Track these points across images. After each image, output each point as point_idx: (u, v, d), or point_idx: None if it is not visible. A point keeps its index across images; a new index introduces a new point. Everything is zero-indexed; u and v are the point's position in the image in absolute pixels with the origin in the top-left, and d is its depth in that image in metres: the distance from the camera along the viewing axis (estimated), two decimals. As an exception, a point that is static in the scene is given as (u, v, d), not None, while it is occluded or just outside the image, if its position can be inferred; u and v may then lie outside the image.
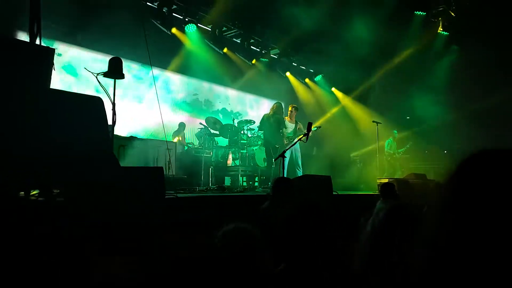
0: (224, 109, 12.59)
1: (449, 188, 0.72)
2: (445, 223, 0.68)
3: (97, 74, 4.50)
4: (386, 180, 7.87)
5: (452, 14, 10.49)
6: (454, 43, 11.47)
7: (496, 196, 0.64)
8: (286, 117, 8.28)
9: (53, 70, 4.38)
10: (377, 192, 7.73)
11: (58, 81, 8.37)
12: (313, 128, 6.66)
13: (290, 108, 8.35)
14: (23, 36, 4.39)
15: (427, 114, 10.88)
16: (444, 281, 0.65)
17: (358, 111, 13.67)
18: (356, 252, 1.92)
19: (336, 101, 14.00)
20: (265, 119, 8.19)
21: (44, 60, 4.06)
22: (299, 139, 7.12)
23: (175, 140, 9.43)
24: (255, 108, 13.59)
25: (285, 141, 7.94)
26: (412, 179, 8.15)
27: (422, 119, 11.13)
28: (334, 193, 6.01)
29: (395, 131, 11.18)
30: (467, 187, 0.68)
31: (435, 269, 0.65)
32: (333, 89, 14.00)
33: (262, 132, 8.58)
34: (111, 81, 4.84)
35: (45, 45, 4.25)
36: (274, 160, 7.39)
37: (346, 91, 13.75)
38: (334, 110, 13.69)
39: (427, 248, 0.70)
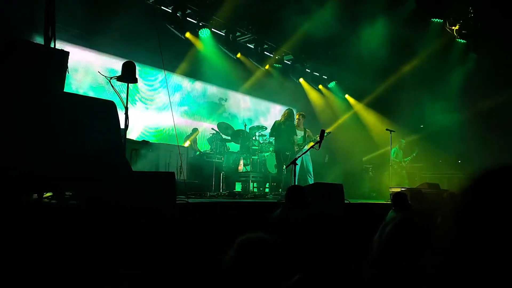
0: (236, 115, 12.58)
1: (464, 202, 0.72)
2: (458, 235, 0.68)
3: (111, 78, 4.51)
4: (399, 189, 7.76)
5: (470, 22, 10.36)
6: (471, 51, 11.30)
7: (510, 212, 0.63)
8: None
9: (67, 73, 4.42)
10: (389, 201, 7.63)
11: (72, 84, 8.47)
12: (325, 134, 6.61)
13: (297, 116, 8.38)
14: (39, 39, 4.42)
15: (440, 122, 10.72)
16: None
17: (371, 118, 13.56)
18: (366, 263, 1.88)
19: (349, 108, 13.91)
20: (276, 126, 8.16)
21: (58, 63, 4.08)
22: (312, 147, 7.07)
23: (186, 144, 9.44)
24: (267, 114, 13.56)
25: (295, 148, 7.90)
26: (425, 188, 8.01)
27: (436, 127, 10.94)
28: (346, 201, 5.93)
29: (403, 140, 11.06)
30: (483, 202, 0.68)
31: (447, 278, 0.66)
32: (347, 96, 13.92)
33: (273, 138, 8.55)
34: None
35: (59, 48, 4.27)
36: (286, 167, 7.33)
37: (359, 98, 13.65)
38: (346, 116, 13.60)
39: (439, 258, 0.70)
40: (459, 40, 11.07)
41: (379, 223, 2.20)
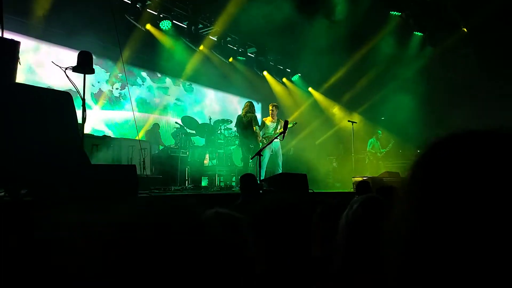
0: (200, 109, 12.47)
1: (411, 179, 0.66)
2: (409, 216, 0.63)
3: (66, 69, 4.33)
4: (361, 179, 7.96)
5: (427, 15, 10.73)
6: (428, 44, 11.69)
7: (462, 185, 0.58)
8: (268, 117, 8.19)
9: (19, 64, 4.21)
10: (352, 190, 7.81)
11: (26, 77, 8.10)
12: (289, 126, 6.63)
13: (270, 107, 8.22)
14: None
15: (400, 112, 10.99)
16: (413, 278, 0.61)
17: (337, 110, 13.84)
18: (332, 250, 1.87)
19: (313, 100, 14.10)
20: (238, 119, 8.12)
21: (8, 53, 3.88)
22: (275, 138, 7.10)
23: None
24: (232, 107, 13.53)
25: (264, 140, 7.85)
26: (386, 177, 8.28)
27: (395, 117, 11.21)
28: (310, 190, 6.01)
29: (379, 131, 11.23)
30: (428, 175, 0.63)
31: (404, 266, 0.62)
32: (310, 88, 14.10)
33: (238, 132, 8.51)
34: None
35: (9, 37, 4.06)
36: (251, 159, 7.32)
37: (321, 89, 13.87)
38: (307, 105, 13.81)
39: (393, 244, 0.65)
40: (417, 33, 11.45)
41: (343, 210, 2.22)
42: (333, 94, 13.66)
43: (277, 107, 8.32)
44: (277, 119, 8.17)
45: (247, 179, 4.12)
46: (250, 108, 8.03)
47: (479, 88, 11.08)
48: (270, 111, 8.18)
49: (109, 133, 9.44)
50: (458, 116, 9.90)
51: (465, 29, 10.98)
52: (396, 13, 10.71)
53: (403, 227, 0.64)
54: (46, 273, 2.72)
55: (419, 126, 10.00)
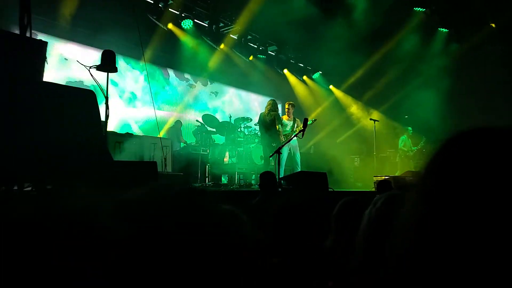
0: (221, 107, 12.56)
1: (425, 172, 0.67)
2: (419, 208, 0.64)
3: (90, 67, 4.45)
4: (383, 178, 7.85)
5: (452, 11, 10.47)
6: (454, 40, 11.42)
7: (476, 181, 0.58)
8: (284, 116, 8.17)
9: (46, 63, 4.34)
10: (373, 189, 7.72)
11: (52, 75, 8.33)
12: (308, 122, 6.60)
13: (287, 106, 8.21)
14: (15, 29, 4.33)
15: (423, 110, 10.72)
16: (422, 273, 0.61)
17: (355, 109, 13.67)
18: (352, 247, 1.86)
19: (334, 99, 13.98)
20: (261, 118, 8.12)
21: (36, 53, 4.01)
22: (295, 135, 7.07)
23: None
24: (252, 105, 13.56)
25: (282, 138, 7.85)
26: (409, 176, 8.11)
27: (419, 115, 10.94)
28: (330, 189, 5.97)
29: (410, 128, 10.80)
30: (442, 169, 0.64)
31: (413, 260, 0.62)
32: (331, 86, 13.98)
33: (260, 130, 8.52)
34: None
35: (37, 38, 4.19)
36: (270, 157, 7.33)
37: (343, 87, 13.73)
38: (328, 103, 13.68)
39: (402, 234, 0.66)
40: (442, 30, 11.20)
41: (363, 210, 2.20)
42: (354, 92, 13.50)
43: (293, 105, 8.29)
44: (293, 117, 8.16)
45: (266, 177, 4.14)
46: (273, 106, 8.02)
47: (508, 87, 10.73)
48: (286, 110, 8.17)
49: (132, 130, 9.61)
50: (487, 116, 9.64)
51: (493, 25, 10.66)
52: (420, 9, 10.50)
53: (413, 218, 0.65)
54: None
55: (444, 125, 9.77)
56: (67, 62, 8.72)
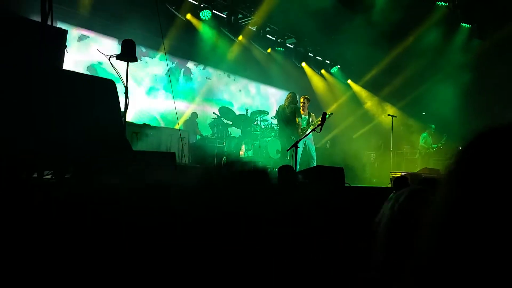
0: (238, 99, 12.53)
1: (455, 167, 0.68)
2: (448, 203, 0.65)
3: (110, 57, 4.46)
4: (399, 174, 7.73)
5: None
6: (477, 36, 11.15)
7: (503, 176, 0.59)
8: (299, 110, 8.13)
9: (66, 51, 4.37)
10: (389, 185, 7.61)
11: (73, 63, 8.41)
12: (326, 116, 6.53)
13: (302, 100, 8.13)
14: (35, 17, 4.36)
15: (443, 107, 10.52)
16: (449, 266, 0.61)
17: (372, 104, 13.52)
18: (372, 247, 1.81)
19: (352, 93, 13.84)
20: (280, 110, 8.06)
21: (57, 41, 4.03)
22: (314, 129, 7.00)
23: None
24: (269, 98, 13.49)
25: (299, 132, 7.81)
26: (426, 173, 7.99)
27: (438, 113, 10.74)
28: (346, 184, 5.91)
29: (432, 125, 10.59)
30: (472, 166, 0.65)
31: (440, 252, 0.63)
32: (349, 81, 13.83)
33: (277, 123, 8.47)
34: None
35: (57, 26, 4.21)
36: (287, 151, 7.28)
37: (361, 82, 13.57)
38: (346, 97, 13.54)
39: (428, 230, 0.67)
40: (464, 25, 10.94)
41: (378, 205, 2.15)
42: (373, 87, 13.33)
43: (308, 99, 8.21)
44: (308, 112, 8.08)
45: (285, 170, 4.09)
46: (293, 99, 7.96)
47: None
48: (301, 104, 8.09)
49: (151, 120, 9.67)
50: (508, 114, 9.42)
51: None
52: (443, 4, 10.26)
53: (442, 213, 0.65)
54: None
55: (464, 123, 9.58)
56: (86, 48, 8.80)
